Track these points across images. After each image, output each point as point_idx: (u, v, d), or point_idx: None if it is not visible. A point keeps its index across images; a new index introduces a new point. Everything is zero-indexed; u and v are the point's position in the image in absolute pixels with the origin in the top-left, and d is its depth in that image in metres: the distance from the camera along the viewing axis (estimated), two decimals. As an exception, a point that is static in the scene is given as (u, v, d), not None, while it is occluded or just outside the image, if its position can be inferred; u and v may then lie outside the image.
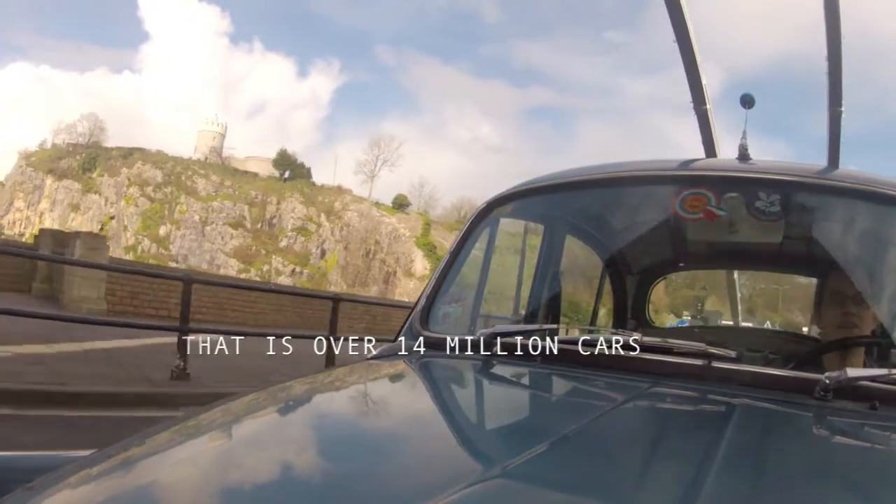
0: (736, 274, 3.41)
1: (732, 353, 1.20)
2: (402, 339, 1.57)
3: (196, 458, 0.90)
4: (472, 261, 1.73)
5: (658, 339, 1.30)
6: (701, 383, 1.17)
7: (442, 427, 1.04)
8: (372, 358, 1.55)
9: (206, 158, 58.45)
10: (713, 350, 1.20)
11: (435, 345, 1.48)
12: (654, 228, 1.75)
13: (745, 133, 1.60)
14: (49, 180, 51.05)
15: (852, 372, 1.09)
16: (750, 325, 3.81)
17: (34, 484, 0.81)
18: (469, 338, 1.50)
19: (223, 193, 53.25)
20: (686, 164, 1.65)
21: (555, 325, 1.75)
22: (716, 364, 1.18)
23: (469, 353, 1.41)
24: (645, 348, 1.25)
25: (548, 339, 1.43)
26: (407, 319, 1.61)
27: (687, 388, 1.17)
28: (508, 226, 1.84)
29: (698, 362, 1.20)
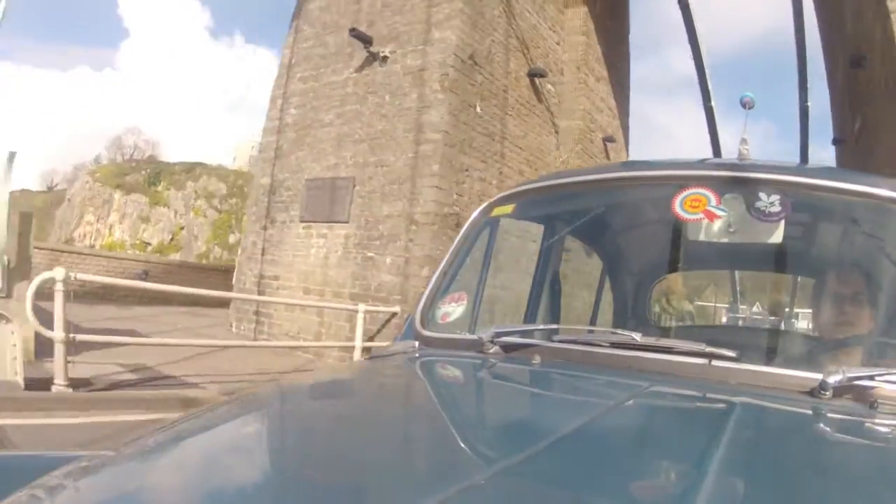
0: (737, 274, 3.42)
1: (732, 353, 1.20)
2: (402, 338, 1.57)
3: (196, 458, 0.90)
4: (472, 261, 1.74)
5: (658, 339, 1.30)
6: (700, 382, 1.17)
7: (441, 427, 1.04)
8: (372, 357, 1.55)
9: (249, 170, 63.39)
10: (713, 349, 1.20)
11: (435, 344, 1.49)
12: (653, 229, 1.76)
13: (744, 133, 1.60)
14: (117, 194, 54.76)
15: (851, 371, 1.10)
16: (750, 324, 3.82)
17: (34, 484, 0.81)
18: (469, 337, 1.50)
19: (284, 203, 58.40)
20: (686, 164, 1.65)
21: (555, 325, 1.75)
22: (715, 363, 1.19)
23: (469, 352, 1.41)
24: (645, 348, 1.26)
25: (547, 338, 1.43)
26: (407, 319, 1.61)
27: (687, 387, 1.18)
28: (509, 226, 1.84)
29: (698, 361, 1.20)
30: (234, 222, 55.98)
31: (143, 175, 57.15)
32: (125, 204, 43.77)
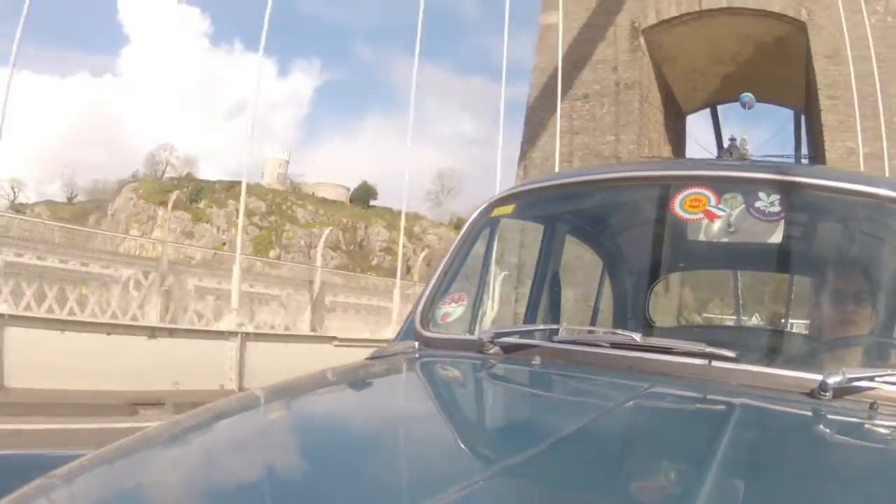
0: (737, 274, 3.41)
1: (732, 353, 1.19)
2: (402, 339, 1.57)
3: (195, 457, 0.90)
4: (472, 261, 1.73)
5: (658, 340, 1.30)
6: (701, 383, 1.17)
7: (441, 427, 1.04)
8: (371, 358, 1.54)
9: (286, 188, 67.85)
10: (713, 350, 1.20)
11: (435, 345, 1.48)
12: (653, 229, 1.75)
13: (744, 133, 1.60)
14: (161, 211, 57.43)
15: (851, 372, 1.09)
16: (750, 324, 3.81)
17: (34, 484, 0.81)
18: (469, 338, 1.50)
19: (319, 221, 61.68)
20: (686, 164, 1.65)
21: (555, 326, 1.75)
22: (715, 364, 1.18)
23: (469, 353, 1.41)
24: (644, 348, 1.25)
25: (547, 339, 1.43)
26: (407, 319, 1.60)
27: (687, 388, 1.17)
28: (509, 226, 1.84)
29: (698, 362, 1.20)
30: (275, 238, 60.13)
31: (186, 192, 60.04)
32: (168, 220, 45.81)
